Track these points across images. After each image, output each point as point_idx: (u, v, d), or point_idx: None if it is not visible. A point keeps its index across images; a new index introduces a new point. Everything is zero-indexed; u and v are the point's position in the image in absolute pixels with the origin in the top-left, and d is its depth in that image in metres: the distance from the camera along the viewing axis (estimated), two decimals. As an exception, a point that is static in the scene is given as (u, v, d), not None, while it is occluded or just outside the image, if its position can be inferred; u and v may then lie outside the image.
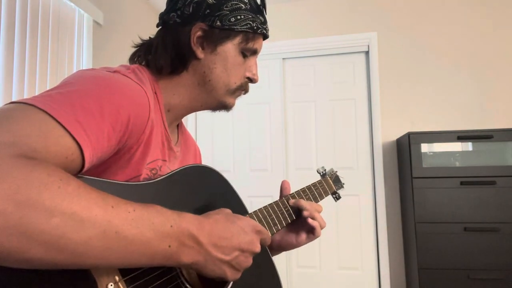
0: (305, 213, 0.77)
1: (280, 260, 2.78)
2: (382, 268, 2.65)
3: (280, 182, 2.96)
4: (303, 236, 0.79)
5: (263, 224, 0.72)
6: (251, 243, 0.57)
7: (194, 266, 0.51)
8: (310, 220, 0.76)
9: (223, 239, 0.53)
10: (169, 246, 0.46)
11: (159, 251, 0.46)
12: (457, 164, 2.23)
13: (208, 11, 0.66)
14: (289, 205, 0.78)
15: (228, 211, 0.59)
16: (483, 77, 2.63)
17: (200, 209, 0.64)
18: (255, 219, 0.71)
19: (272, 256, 0.76)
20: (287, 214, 0.78)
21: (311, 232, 0.78)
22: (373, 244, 2.73)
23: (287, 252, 2.80)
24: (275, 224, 0.74)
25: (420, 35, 2.74)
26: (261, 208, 0.73)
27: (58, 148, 0.43)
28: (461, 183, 2.15)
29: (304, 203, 0.77)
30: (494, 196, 2.11)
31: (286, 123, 2.96)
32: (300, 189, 0.84)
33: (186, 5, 0.67)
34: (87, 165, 0.47)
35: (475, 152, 2.23)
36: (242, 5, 0.68)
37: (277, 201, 0.78)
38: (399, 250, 2.64)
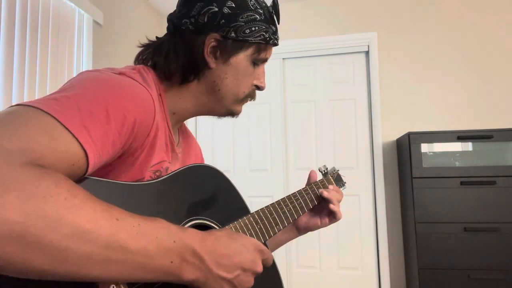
0: (327, 200, 0.86)
1: (280, 260, 2.78)
2: (382, 268, 2.65)
3: (280, 182, 2.94)
4: (326, 219, 0.89)
5: (269, 222, 0.72)
6: (253, 262, 0.56)
7: (195, 283, 0.50)
8: (331, 206, 0.85)
9: (225, 256, 0.52)
10: (171, 262, 0.46)
11: (161, 266, 0.45)
12: (457, 164, 2.23)
13: (223, 21, 0.65)
14: (315, 194, 0.87)
15: (230, 230, 0.59)
16: (483, 77, 2.63)
17: (202, 209, 0.64)
18: (259, 216, 0.71)
19: (300, 235, 0.91)
20: (304, 204, 0.83)
21: (333, 216, 0.87)
22: (373, 244, 2.73)
23: (287, 252, 2.81)
24: (281, 221, 0.76)
25: (420, 35, 2.74)
26: (263, 208, 0.74)
27: (66, 155, 0.43)
28: (461, 183, 2.15)
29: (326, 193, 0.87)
30: (494, 196, 2.11)
31: (286, 123, 2.96)
32: (302, 188, 0.85)
33: (201, 14, 0.65)
34: (89, 171, 0.47)
35: (475, 152, 2.23)
36: (257, 16, 0.68)
37: (300, 190, 0.85)
38: (399, 250, 2.64)
